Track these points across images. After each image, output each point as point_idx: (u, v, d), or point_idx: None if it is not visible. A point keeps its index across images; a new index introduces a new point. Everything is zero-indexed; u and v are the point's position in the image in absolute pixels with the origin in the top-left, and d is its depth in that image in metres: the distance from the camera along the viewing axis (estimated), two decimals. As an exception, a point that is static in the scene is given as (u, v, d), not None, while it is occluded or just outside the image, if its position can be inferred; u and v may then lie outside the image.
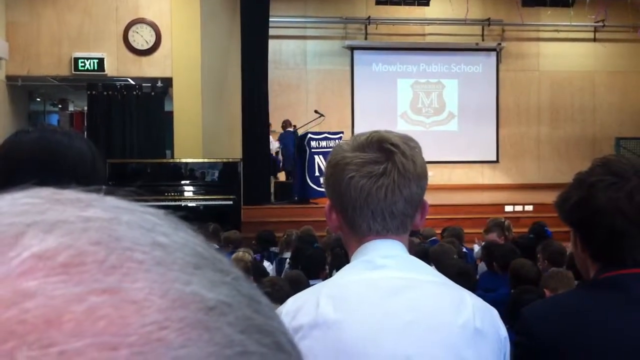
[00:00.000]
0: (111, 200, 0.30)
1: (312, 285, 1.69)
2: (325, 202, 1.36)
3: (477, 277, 5.12)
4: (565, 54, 14.83)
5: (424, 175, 1.28)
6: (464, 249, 6.36)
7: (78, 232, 0.27)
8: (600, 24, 14.04)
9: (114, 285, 0.26)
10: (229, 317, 0.28)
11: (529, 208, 10.43)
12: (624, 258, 1.38)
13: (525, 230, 7.19)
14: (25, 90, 11.11)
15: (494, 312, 1.28)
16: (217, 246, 6.82)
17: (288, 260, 5.98)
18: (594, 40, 14.80)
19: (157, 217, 0.30)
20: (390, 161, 1.24)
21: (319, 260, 4.70)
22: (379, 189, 1.24)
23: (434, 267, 4.97)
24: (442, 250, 5.44)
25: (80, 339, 0.25)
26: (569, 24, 14.16)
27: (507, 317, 2.73)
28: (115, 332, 0.25)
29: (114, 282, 0.26)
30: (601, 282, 1.39)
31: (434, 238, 6.85)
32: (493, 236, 6.20)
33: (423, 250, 5.61)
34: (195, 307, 0.27)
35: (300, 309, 1.22)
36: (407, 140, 1.29)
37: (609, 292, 1.37)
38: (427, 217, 1.36)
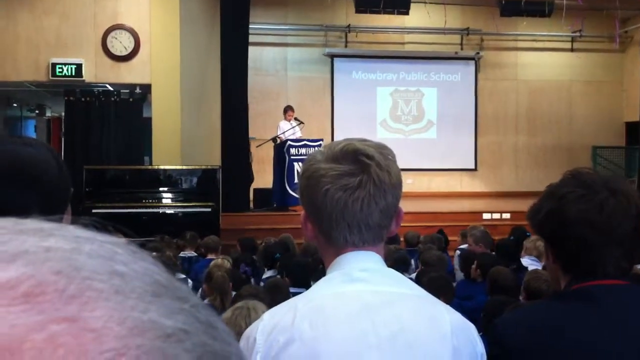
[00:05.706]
0: (73, 230, 0.31)
1: (293, 293, 1.68)
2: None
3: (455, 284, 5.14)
4: (542, 63, 14.99)
5: (398, 185, 1.28)
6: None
7: (39, 262, 0.28)
8: (577, 34, 14.23)
9: (73, 314, 0.27)
10: (186, 343, 0.28)
11: (507, 216, 10.51)
12: (594, 269, 1.39)
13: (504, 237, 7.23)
14: (2, 95, 10.99)
15: (471, 328, 1.28)
16: (194, 253, 6.78)
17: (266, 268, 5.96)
18: (572, 50, 14.99)
19: (117, 246, 0.31)
20: (365, 173, 1.24)
21: (305, 268, 4.67)
22: (355, 202, 1.24)
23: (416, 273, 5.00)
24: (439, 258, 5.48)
25: None
26: (546, 33, 14.34)
27: (483, 327, 2.74)
28: (74, 359, 0.26)
29: (74, 311, 0.27)
30: (572, 294, 1.40)
31: (415, 248, 6.83)
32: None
33: (402, 258, 5.64)
34: (152, 335, 0.28)
35: (277, 326, 1.21)
36: (382, 149, 1.29)
37: (580, 304, 1.38)
38: (409, 224, 1.37)
